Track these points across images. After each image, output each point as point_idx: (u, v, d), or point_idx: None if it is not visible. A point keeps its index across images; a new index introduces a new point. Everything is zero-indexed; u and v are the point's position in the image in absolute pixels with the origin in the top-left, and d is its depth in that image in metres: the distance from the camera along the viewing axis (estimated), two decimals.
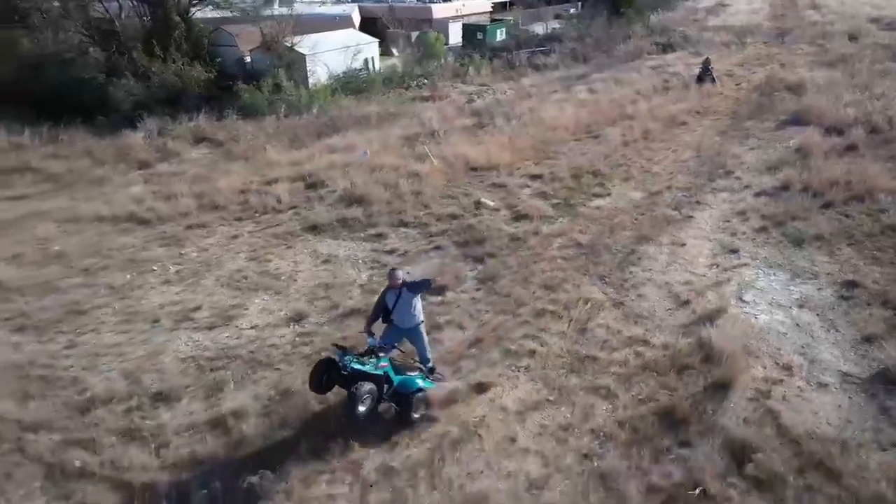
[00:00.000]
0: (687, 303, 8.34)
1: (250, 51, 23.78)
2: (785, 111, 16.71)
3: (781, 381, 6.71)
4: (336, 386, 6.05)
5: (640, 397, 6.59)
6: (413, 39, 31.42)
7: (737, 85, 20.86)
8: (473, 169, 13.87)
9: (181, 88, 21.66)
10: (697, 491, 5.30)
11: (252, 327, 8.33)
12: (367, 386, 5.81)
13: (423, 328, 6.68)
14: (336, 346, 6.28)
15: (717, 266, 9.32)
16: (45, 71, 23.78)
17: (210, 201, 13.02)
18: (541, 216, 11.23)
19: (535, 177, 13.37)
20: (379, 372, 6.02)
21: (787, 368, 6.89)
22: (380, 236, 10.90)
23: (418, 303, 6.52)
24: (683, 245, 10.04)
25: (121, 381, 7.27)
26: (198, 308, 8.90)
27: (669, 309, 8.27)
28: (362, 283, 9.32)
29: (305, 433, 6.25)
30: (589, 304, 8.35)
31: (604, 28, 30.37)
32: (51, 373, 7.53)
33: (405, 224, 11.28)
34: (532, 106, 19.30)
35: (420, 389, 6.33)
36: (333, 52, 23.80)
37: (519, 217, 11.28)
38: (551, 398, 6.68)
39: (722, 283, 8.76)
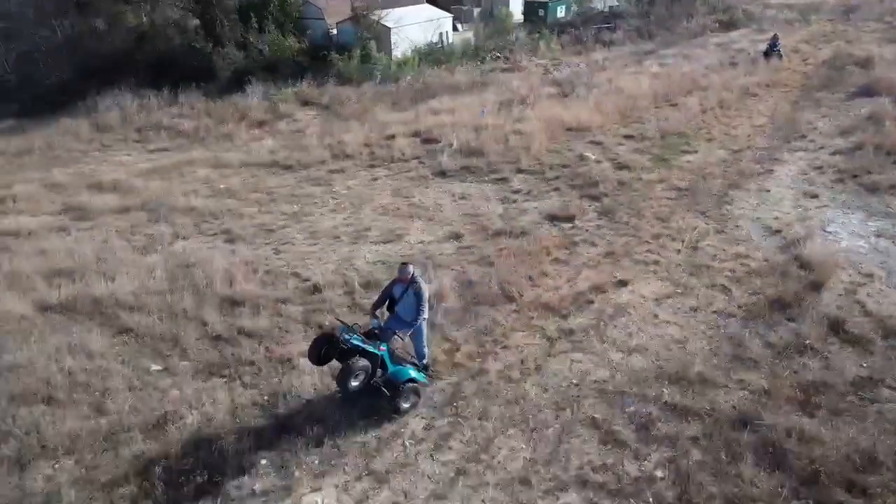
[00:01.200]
0: (778, 231, 10.26)
1: (337, 24, 25.91)
2: (854, 83, 18.17)
3: (864, 284, 8.61)
4: (333, 360, 6.37)
5: (750, 291, 8.58)
6: (475, 15, 33.21)
7: (804, 60, 22.22)
8: (569, 129, 15.83)
9: (277, 58, 23.92)
10: (806, 342, 7.30)
11: (420, 242, 10.54)
12: (362, 362, 6.13)
13: (424, 326, 6.75)
14: (340, 321, 6.65)
15: (801, 207, 11.17)
16: (149, 41, 26.38)
17: (340, 152, 15.31)
18: (640, 167, 13.18)
19: (626, 136, 15.28)
20: (376, 351, 6.29)
21: (869, 275, 8.78)
22: (503, 180, 13.02)
23: (425, 302, 6.52)
24: (768, 191, 11.90)
25: (330, 275, 9.53)
26: (367, 229, 11.16)
27: (764, 235, 10.19)
28: (500, 213, 11.44)
29: (494, 307, 8.40)
30: (696, 231, 10.34)
31: (666, 5, 31.63)
32: (273, 268, 9.86)
33: (522, 171, 13.36)
34: (609, 77, 21.07)
35: (412, 380, 6.52)
36: (414, 26, 25.82)
37: (621, 167, 13.24)
38: (679, 291, 8.72)
39: (806, 219, 10.63)
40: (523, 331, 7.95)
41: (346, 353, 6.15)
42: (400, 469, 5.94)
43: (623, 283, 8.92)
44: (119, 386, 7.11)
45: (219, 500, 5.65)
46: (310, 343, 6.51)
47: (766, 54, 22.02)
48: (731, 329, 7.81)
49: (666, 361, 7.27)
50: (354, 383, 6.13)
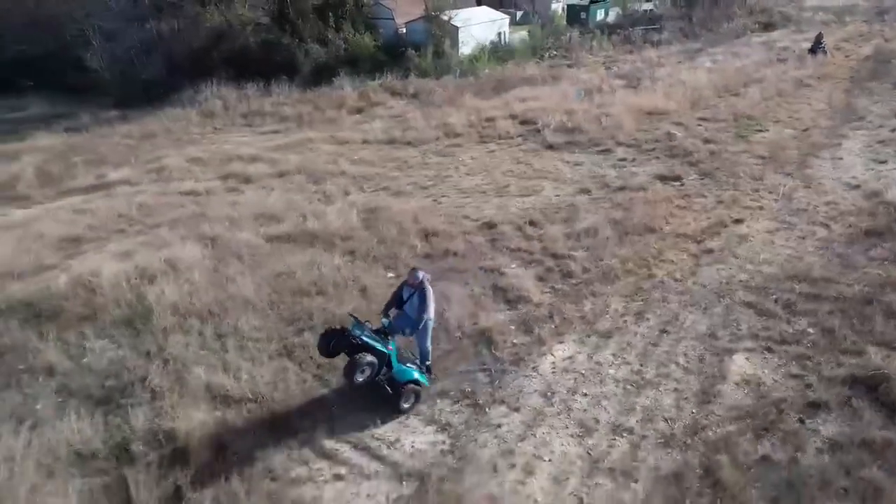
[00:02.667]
0: (857, 186, 12.61)
1: (406, 23, 28.51)
2: None
3: None
4: (342, 353, 6.66)
5: (845, 225, 10.92)
6: (517, 17, 35.95)
7: (846, 56, 24.70)
8: (648, 114, 18.23)
9: (357, 54, 26.50)
10: None
11: (556, 195, 12.91)
12: (369, 358, 6.42)
13: (430, 325, 7.03)
14: (353, 316, 6.96)
15: (872, 170, 13.52)
16: (228, 40, 28.96)
17: (451, 131, 17.75)
18: (723, 142, 15.55)
19: (701, 119, 17.67)
20: (384, 349, 6.60)
21: None
22: (606, 151, 15.42)
23: (430, 303, 6.83)
24: (840, 159, 14.26)
25: (496, 216, 11.82)
26: (506, 187, 13.54)
27: (845, 189, 12.54)
28: (615, 175, 13.80)
29: (643, 236, 10.73)
30: (786, 186, 12.69)
31: (705, 8, 34.25)
32: (445, 212, 12.19)
33: (621, 144, 15.76)
34: (668, 72, 23.55)
35: (414, 382, 6.88)
36: (479, 26, 28.45)
37: (706, 142, 15.61)
38: (785, 227, 11.05)
39: (881, 178, 12.97)
40: (673, 251, 10.29)
41: (356, 348, 6.47)
42: (616, 330, 8.27)
43: (739, 221, 11.27)
44: (372, 283, 9.45)
45: (491, 347, 7.97)
46: (321, 335, 6.89)
47: (812, 51, 24.51)
48: (835, 249, 10.14)
49: (790, 269, 9.59)
50: (360, 378, 6.43)
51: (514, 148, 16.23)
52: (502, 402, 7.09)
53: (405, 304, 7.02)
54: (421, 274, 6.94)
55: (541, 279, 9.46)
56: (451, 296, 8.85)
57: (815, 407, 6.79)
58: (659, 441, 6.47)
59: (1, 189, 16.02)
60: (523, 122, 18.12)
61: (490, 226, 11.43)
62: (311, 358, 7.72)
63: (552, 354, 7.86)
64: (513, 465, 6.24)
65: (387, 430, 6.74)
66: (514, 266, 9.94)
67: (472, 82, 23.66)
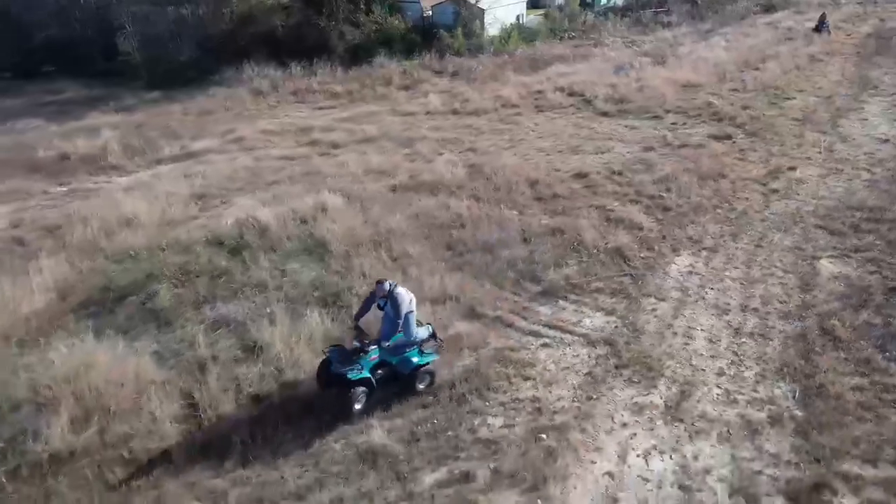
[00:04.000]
0: (887, 141, 14.90)
1: (432, 6, 30.18)
2: None
3: None
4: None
5: (886, 170, 13.16)
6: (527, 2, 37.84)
7: (847, 35, 27.29)
8: (683, 86, 20.36)
9: (390, 35, 28.11)
10: None
11: (627, 152, 14.87)
12: (360, 389, 6.80)
13: (411, 318, 7.19)
14: (333, 346, 7.28)
15: None
16: (261, 21, 30.21)
17: (507, 102, 19.63)
18: (758, 108, 17.74)
19: (732, 90, 19.87)
20: (364, 375, 6.78)
21: None
22: (657, 117, 17.48)
23: (401, 307, 7.00)
24: (866, 119, 16.60)
25: (583, 168, 13.74)
26: (578, 146, 15.49)
27: (877, 143, 14.82)
28: (671, 136, 15.81)
29: (715, 181, 12.77)
30: (825, 141, 14.91)
31: None
32: (536, 166, 14.06)
33: (668, 112, 17.84)
34: (689, 50, 25.76)
35: (419, 366, 7.15)
36: (502, 8, 30.26)
37: (744, 108, 17.78)
38: (833, 172, 13.24)
39: None
40: (744, 191, 12.38)
41: (343, 381, 6.79)
42: (719, 246, 10.31)
43: (792, 169, 13.42)
44: (501, 217, 11.28)
45: (625, 259, 9.91)
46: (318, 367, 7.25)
47: (817, 30, 27.00)
48: (882, 186, 12.35)
49: (847, 201, 11.76)
50: (358, 406, 6.86)
51: (570, 116, 18.19)
52: (649, 295, 9.05)
53: (382, 310, 7.21)
54: (387, 284, 7.13)
55: (644, 213, 11.43)
56: (579, 226, 10.77)
57: (894, 291, 8.91)
58: (780, 316, 8.50)
59: (94, 160, 17.40)
60: (571, 94, 20.08)
61: (581, 175, 13.35)
62: (484, 271, 9.58)
63: (675, 264, 9.86)
64: (675, 334, 8.20)
65: (566, 315, 8.64)
66: (616, 204, 11.90)
67: (507, 60, 25.52)
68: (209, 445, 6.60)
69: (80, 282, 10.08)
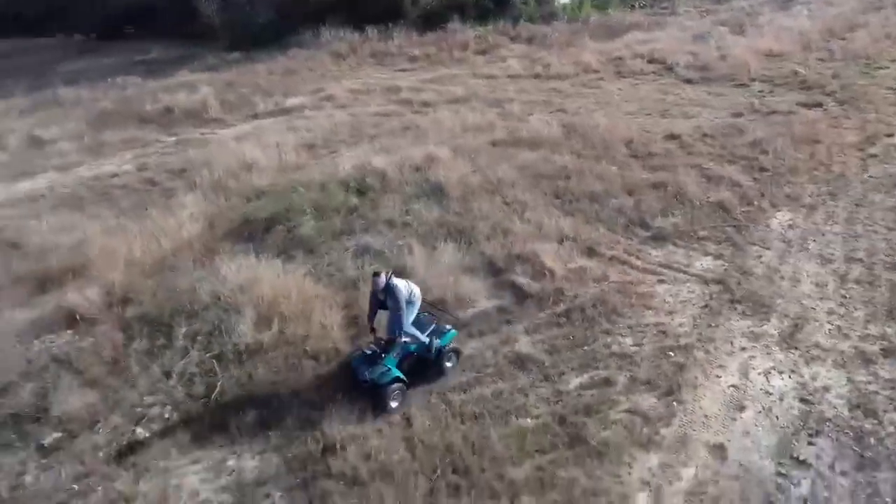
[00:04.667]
0: None
1: None
2: None
3: None
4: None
5: None
6: None
7: None
8: (766, 55, 20.41)
9: (461, 1, 28.59)
10: None
11: (715, 118, 15.31)
12: (395, 385, 6.81)
13: (416, 306, 7.20)
14: (357, 352, 7.39)
15: None
16: None
17: (587, 68, 20.12)
18: (849, 76, 17.79)
19: (819, 59, 19.85)
20: (394, 374, 6.83)
21: None
22: (742, 85, 17.74)
23: (399, 300, 6.90)
24: None
25: (674, 130, 14.27)
26: (666, 110, 15.99)
27: None
28: (759, 103, 16.11)
29: (811, 145, 13.17)
30: None
31: None
32: (627, 126, 14.67)
33: (754, 80, 18.05)
34: (769, 19, 25.53)
35: (441, 349, 7.23)
36: None
37: (833, 76, 17.85)
38: None
39: None
40: (841, 155, 12.77)
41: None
42: (819, 204, 10.85)
43: (889, 135, 13.67)
44: (602, 171, 12.02)
45: (727, 212, 10.57)
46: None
47: None
48: None
49: None
50: (394, 404, 6.83)
51: (653, 82, 18.59)
52: (754, 244, 9.74)
53: (386, 306, 7.13)
54: (382, 277, 7.01)
55: (741, 172, 11.99)
56: (679, 181, 11.45)
57: None
58: (886, 267, 9.08)
59: (197, 114, 18.77)
60: (651, 62, 20.38)
61: (673, 137, 13.92)
62: (594, 217, 10.41)
63: (776, 218, 10.49)
64: (782, 278, 8.91)
65: (678, 258, 9.43)
66: (712, 164, 12.48)
67: (580, 27, 25.78)
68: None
69: (222, 215, 11.34)
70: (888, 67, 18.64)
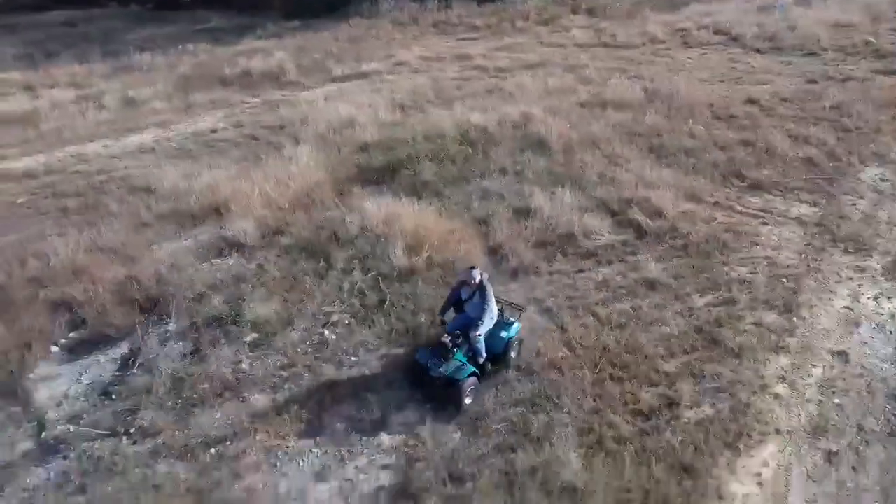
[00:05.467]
0: None
1: None
2: None
3: None
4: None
5: None
6: None
7: None
8: (834, 26, 20.96)
9: None
10: None
11: (790, 84, 16.06)
12: (470, 380, 6.60)
13: (490, 324, 6.87)
14: (418, 348, 7.16)
15: None
16: None
17: (654, 38, 20.91)
18: None
19: (890, 29, 20.34)
20: (471, 369, 6.63)
21: None
22: (813, 54, 18.44)
23: (491, 302, 6.80)
24: None
25: (751, 95, 15.07)
26: (739, 78, 16.77)
27: None
28: (832, 71, 16.80)
29: (878, 109, 13.92)
30: None
31: None
32: (704, 91, 15.51)
33: (825, 49, 18.66)
34: None
35: (508, 342, 7.06)
36: None
37: None
38: None
39: None
40: None
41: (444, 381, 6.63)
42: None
43: None
44: (691, 131, 12.94)
45: (814, 166, 11.46)
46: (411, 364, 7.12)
47: None
48: None
49: None
50: (468, 400, 6.66)
51: (722, 52, 19.32)
52: (846, 193, 10.66)
53: (465, 304, 7.02)
54: (478, 272, 6.91)
55: (825, 132, 12.82)
56: (767, 138, 12.35)
57: None
58: None
59: (275, 77, 19.89)
60: (716, 33, 21.08)
61: (751, 101, 14.76)
62: (691, 169, 11.38)
63: (864, 172, 11.37)
64: (878, 222, 9.85)
65: (776, 205, 10.39)
66: (794, 125, 13.32)
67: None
68: (517, 271, 8.84)
69: (340, 163, 12.46)
70: None
